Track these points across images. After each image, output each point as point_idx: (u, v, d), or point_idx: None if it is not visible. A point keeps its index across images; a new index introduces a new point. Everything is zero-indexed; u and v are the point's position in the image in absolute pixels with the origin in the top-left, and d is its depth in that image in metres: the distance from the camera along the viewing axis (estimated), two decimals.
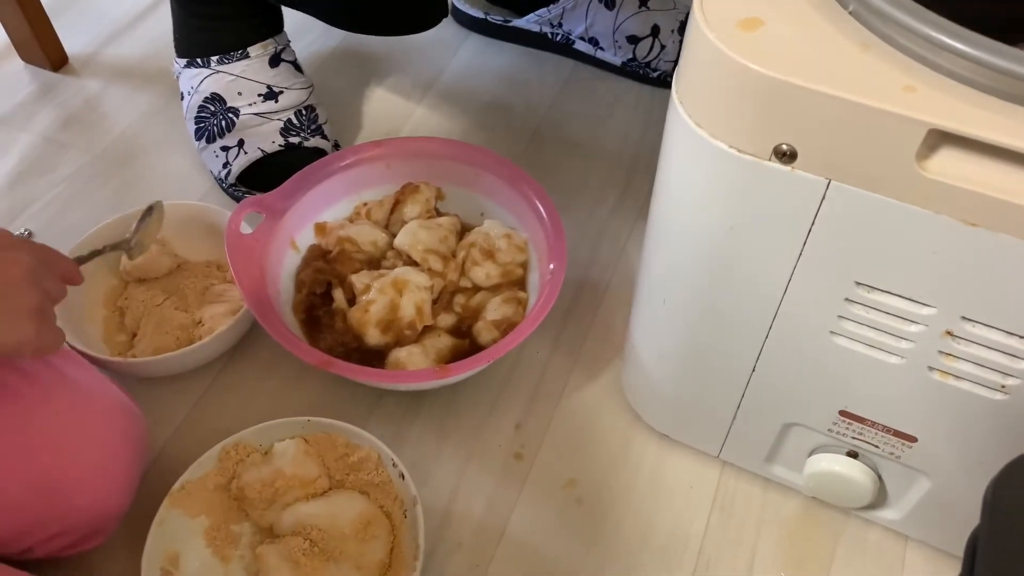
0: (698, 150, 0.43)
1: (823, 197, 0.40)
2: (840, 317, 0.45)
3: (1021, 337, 0.41)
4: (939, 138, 0.36)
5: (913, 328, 0.44)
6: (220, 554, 0.56)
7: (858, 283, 0.43)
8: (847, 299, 0.44)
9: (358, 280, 0.63)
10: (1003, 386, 0.43)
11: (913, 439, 0.50)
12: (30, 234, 0.75)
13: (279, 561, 0.53)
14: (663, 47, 0.86)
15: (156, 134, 0.84)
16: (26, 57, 0.90)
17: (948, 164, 0.37)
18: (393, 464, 0.56)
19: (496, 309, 0.64)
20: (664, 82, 0.88)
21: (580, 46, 0.89)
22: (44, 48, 0.88)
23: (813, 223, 0.42)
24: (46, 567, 0.55)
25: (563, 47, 0.91)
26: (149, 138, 0.83)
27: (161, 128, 0.84)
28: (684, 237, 0.48)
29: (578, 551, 0.58)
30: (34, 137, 0.83)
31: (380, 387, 0.64)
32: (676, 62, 0.43)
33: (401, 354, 0.61)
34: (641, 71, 0.88)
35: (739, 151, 0.41)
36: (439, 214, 0.70)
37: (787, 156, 0.40)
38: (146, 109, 0.86)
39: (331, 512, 0.55)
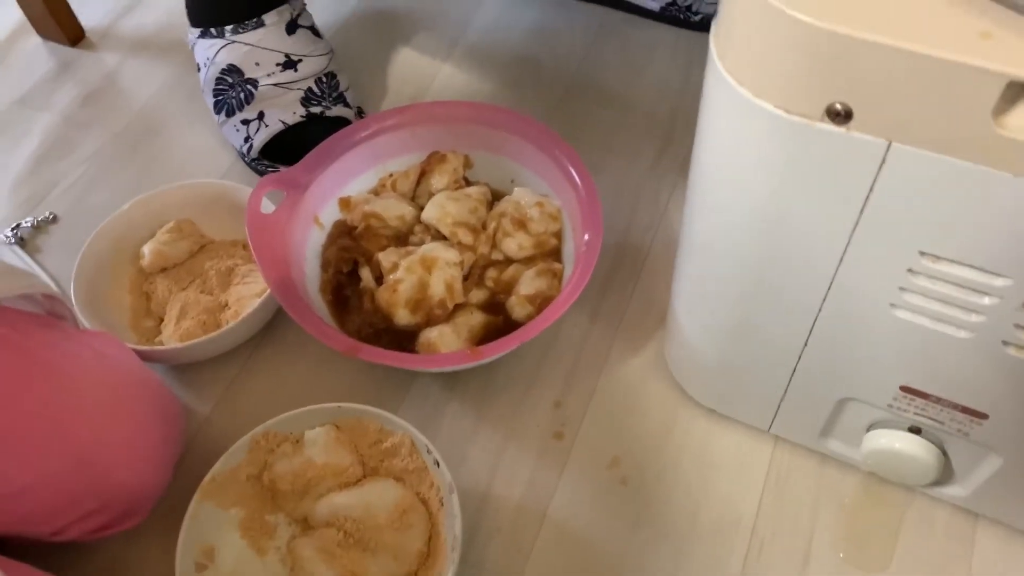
0: (740, 111, 0.38)
1: (883, 161, 0.36)
2: (901, 289, 0.41)
3: None
4: (1020, 91, 0.31)
5: (985, 301, 0.39)
6: (256, 546, 0.54)
7: (923, 253, 0.39)
8: (910, 270, 0.40)
9: (385, 258, 0.61)
10: None
11: (984, 416, 0.46)
12: (55, 218, 0.74)
13: (313, 554, 0.52)
14: None
15: (176, 108, 0.81)
16: (43, 33, 0.88)
17: None
18: (428, 451, 0.54)
19: (530, 283, 0.60)
20: (706, 26, 0.83)
21: None
22: (60, 23, 0.85)
23: (871, 190, 0.37)
24: (77, 557, 0.55)
25: None
26: (169, 112, 0.81)
27: (181, 101, 0.82)
28: (726, 206, 0.44)
29: (624, 534, 0.56)
30: (55, 117, 0.82)
31: (420, 370, 0.62)
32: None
33: (432, 334, 0.58)
34: (681, 16, 0.83)
35: (787, 111, 0.36)
36: (468, 183, 0.67)
37: (841, 116, 0.35)
38: (164, 82, 0.84)
39: (365, 502, 0.53)
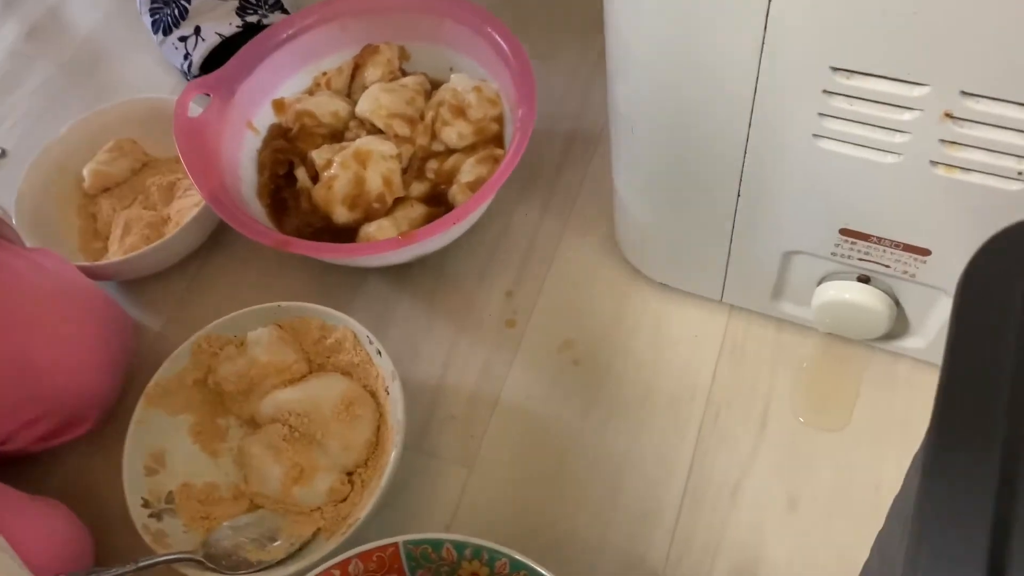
0: None
1: None
2: (821, 115, 0.39)
3: None
4: None
5: (906, 116, 0.37)
6: (209, 449, 0.54)
7: (834, 68, 0.37)
8: (825, 91, 0.38)
9: (318, 156, 0.59)
10: (1020, 172, 0.37)
11: (926, 252, 0.44)
12: (4, 153, 0.73)
13: (261, 450, 0.52)
14: None
15: (120, 34, 0.80)
16: None
17: None
18: (370, 341, 0.53)
19: (471, 170, 0.59)
20: None
21: None
22: None
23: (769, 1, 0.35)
24: (33, 471, 0.55)
25: None
26: (113, 40, 0.80)
27: (123, 28, 0.80)
28: (638, 55, 0.42)
29: (577, 412, 0.55)
30: None
31: (363, 265, 0.61)
32: None
33: (371, 228, 0.57)
34: None
35: None
36: (404, 75, 0.64)
37: None
38: (106, 10, 0.82)
39: (310, 396, 0.53)
